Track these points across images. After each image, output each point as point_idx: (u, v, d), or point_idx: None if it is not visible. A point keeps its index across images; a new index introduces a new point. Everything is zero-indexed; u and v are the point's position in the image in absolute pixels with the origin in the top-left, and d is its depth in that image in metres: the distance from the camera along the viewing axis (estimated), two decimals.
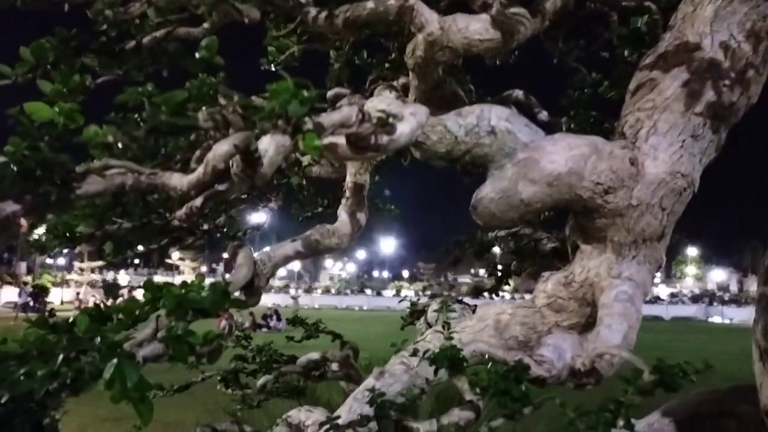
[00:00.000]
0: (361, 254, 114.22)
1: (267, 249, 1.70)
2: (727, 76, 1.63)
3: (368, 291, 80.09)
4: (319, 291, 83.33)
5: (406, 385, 1.89)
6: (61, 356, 1.15)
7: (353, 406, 1.90)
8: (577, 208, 1.69)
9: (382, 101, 1.39)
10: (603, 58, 2.35)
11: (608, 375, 1.57)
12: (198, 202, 2.11)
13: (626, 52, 2.28)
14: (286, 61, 2.39)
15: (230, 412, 3.28)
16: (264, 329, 36.17)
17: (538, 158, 1.63)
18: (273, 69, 2.50)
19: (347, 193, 1.94)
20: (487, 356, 1.66)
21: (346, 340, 2.51)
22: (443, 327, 1.62)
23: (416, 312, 2.56)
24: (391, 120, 1.25)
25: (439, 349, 1.50)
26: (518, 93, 2.17)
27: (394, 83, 2.30)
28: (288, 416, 2.04)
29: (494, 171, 1.74)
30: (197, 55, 1.85)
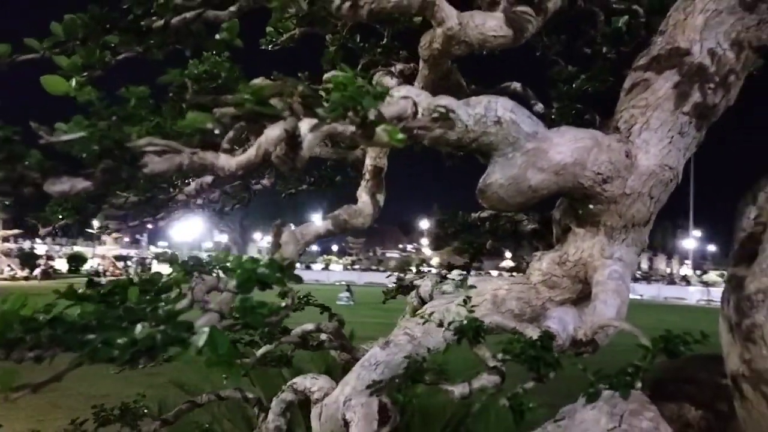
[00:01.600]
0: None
1: (298, 228, 1.80)
2: (712, 80, 1.83)
3: (297, 264, 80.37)
4: None
5: (409, 353, 2.03)
6: (139, 326, 1.23)
7: (362, 373, 2.03)
8: (577, 195, 1.87)
9: (425, 96, 1.50)
10: (584, 53, 2.52)
11: (603, 344, 1.76)
12: (208, 179, 2.18)
13: (605, 49, 2.47)
14: (285, 42, 2.46)
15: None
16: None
17: (547, 149, 1.78)
18: (269, 49, 2.56)
19: (367, 176, 2.04)
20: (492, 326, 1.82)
21: (333, 312, 2.63)
22: (464, 302, 1.76)
23: (402, 287, 2.70)
24: (451, 115, 1.37)
25: (464, 320, 1.64)
26: (516, 85, 2.32)
27: (392, 69, 2.40)
28: (294, 383, 2.15)
29: (498, 158, 1.89)
30: (217, 36, 1.91)
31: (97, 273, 52.34)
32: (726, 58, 1.83)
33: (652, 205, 1.88)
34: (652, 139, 1.84)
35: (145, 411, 2.17)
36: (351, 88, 1.28)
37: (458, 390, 1.54)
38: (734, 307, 1.82)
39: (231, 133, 1.75)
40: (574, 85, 2.34)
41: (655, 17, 2.17)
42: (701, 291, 43.75)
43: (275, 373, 2.83)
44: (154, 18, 1.81)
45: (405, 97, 1.36)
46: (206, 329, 1.18)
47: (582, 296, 1.98)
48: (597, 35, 2.38)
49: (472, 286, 1.92)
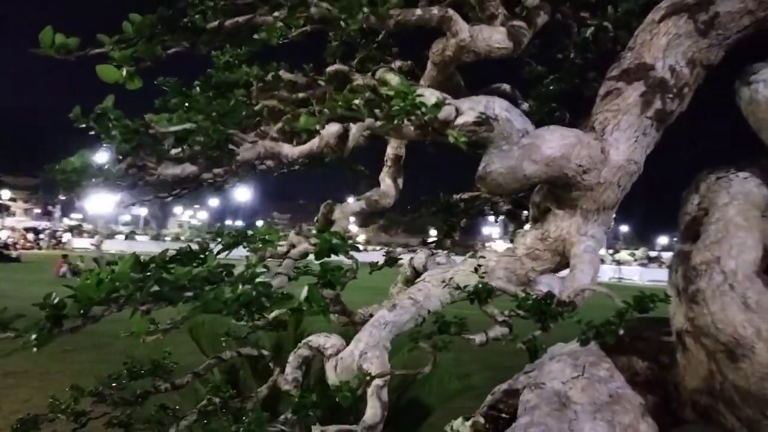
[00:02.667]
0: (213, 201, 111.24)
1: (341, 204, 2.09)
2: (671, 91, 2.24)
3: (219, 239, 78.91)
4: (168, 238, 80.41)
5: (413, 314, 2.38)
6: (240, 284, 1.51)
7: (373, 332, 2.36)
8: (561, 183, 2.25)
9: (465, 102, 1.83)
10: (555, 57, 2.91)
11: (581, 305, 2.16)
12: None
13: (572, 55, 2.86)
14: (295, 37, 2.72)
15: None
16: None
17: (540, 144, 2.15)
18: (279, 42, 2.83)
19: (389, 163, 2.35)
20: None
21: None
22: (474, 270, 2.12)
23: (390, 260, 3.03)
24: (490, 120, 1.70)
25: (473, 288, 1.99)
26: (505, 86, 2.68)
27: (392, 65, 2.71)
28: (309, 341, 2.46)
29: (494, 150, 2.25)
30: (256, 36, 2.18)
31: (6, 245, 49.89)
32: (683, 73, 2.25)
33: (619, 192, 2.29)
34: (622, 138, 2.25)
35: (174, 366, 2.43)
36: (410, 97, 1.59)
37: (478, 338, 1.90)
38: (681, 276, 2.26)
39: (279, 125, 2.03)
40: (551, 87, 2.71)
41: (622, 31, 2.57)
42: (613, 269, 46.37)
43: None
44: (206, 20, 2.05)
45: (449, 104, 1.69)
46: (306, 287, 1.49)
47: (559, 267, 2.38)
48: (570, 44, 2.76)
49: (482, 257, 2.28)
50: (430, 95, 1.96)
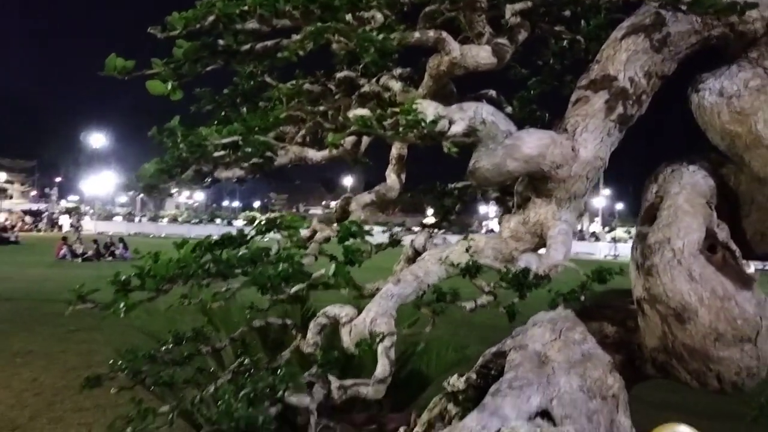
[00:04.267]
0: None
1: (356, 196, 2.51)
2: (631, 98, 2.66)
3: (218, 221, 78.70)
4: (166, 220, 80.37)
5: (415, 288, 2.81)
6: (281, 264, 1.93)
7: (381, 302, 2.79)
8: (538, 176, 2.67)
9: (455, 111, 2.25)
10: (536, 63, 3.31)
11: (555, 277, 2.60)
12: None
13: (552, 61, 3.27)
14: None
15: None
16: (109, 257, 34.91)
17: (520, 145, 2.58)
18: None
19: (393, 161, 2.76)
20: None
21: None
22: (466, 250, 2.55)
23: (393, 242, 3.45)
24: (478, 124, 2.12)
25: (465, 264, 2.43)
26: (492, 92, 3.09)
27: (393, 73, 3.10)
28: (325, 311, 2.89)
29: (482, 149, 2.66)
30: (279, 54, 2.58)
31: (4, 228, 50.18)
32: (640, 83, 2.66)
33: (588, 183, 2.72)
34: (589, 138, 2.67)
35: (211, 334, 2.86)
36: (413, 114, 2.01)
37: (468, 305, 2.34)
38: (639, 253, 2.70)
39: (302, 132, 2.45)
40: (533, 91, 3.12)
41: (593, 43, 2.98)
42: (609, 246, 47.03)
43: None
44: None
45: (443, 116, 2.11)
46: (333, 264, 1.91)
47: (537, 246, 2.81)
48: (548, 52, 3.17)
49: (472, 239, 2.71)
50: (427, 107, 2.38)
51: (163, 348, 2.82)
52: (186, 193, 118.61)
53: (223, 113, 2.54)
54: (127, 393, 8.50)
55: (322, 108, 2.59)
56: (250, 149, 2.04)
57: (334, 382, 2.66)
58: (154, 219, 78.63)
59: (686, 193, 2.63)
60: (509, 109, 3.04)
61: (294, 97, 2.73)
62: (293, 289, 2.68)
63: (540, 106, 3.18)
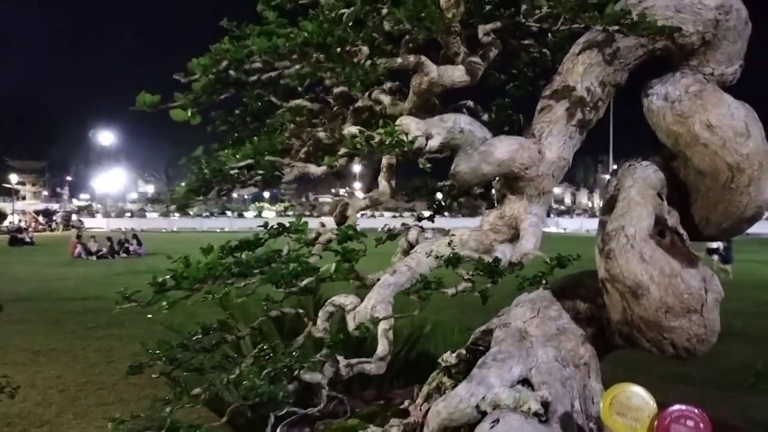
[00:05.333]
0: None
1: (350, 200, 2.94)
2: (588, 105, 3.06)
3: (229, 213, 79.46)
4: (177, 214, 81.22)
5: (408, 278, 3.23)
6: (291, 264, 2.36)
7: (380, 291, 3.21)
8: (510, 177, 3.08)
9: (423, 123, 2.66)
10: (511, 72, 3.70)
11: (527, 264, 3.01)
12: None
13: (525, 69, 3.67)
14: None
15: None
16: (123, 254, 35.46)
17: (493, 151, 2.98)
18: None
19: (384, 169, 3.17)
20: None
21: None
22: (449, 243, 2.97)
23: (390, 236, 3.87)
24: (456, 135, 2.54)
25: (447, 256, 2.85)
26: (469, 103, 3.49)
27: (384, 87, 3.50)
28: (332, 300, 3.32)
29: (462, 154, 3.07)
30: (282, 81, 3.00)
31: (19, 229, 50.90)
32: (596, 92, 3.06)
33: (554, 181, 3.12)
34: (554, 141, 3.07)
35: (234, 325, 3.30)
36: (395, 135, 2.41)
37: (450, 291, 2.76)
38: (601, 239, 3.10)
39: (305, 149, 2.87)
40: (508, 99, 3.52)
41: (558, 54, 3.36)
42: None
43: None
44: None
45: (421, 136, 2.52)
46: (334, 264, 2.33)
47: (513, 238, 3.22)
48: (520, 63, 3.56)
49: (453, 234, 3.13)
50: (410, 123, 2.79)
51: (194, 338, 3.26)
52: None
53: (236, 134, 2.96)
54: (148, 388, 9.30)
55: (320, 124, 3.00)
56: (261, 171, 2.46)
57: (342, 361, 3.10)
58: (166, 214, 79.55)
59: (638, 186, 3.03)
60: (486, 117, 3.43)
61: (297, 115, 3.14)
62: (303, 283, 3.11)
63: (515, 111, 3.58)
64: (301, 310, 3.42)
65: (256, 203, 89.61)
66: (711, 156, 2.86)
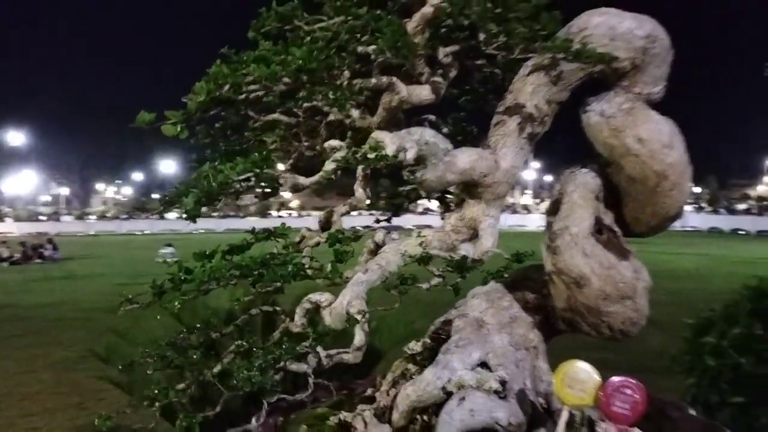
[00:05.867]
0: (137, 176, 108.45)
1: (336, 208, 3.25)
2: (536, 120, 3.50)
3: (150, 215, 77.17)
4: (94, 217, 77.91)
5: (379, 275, 3.58)
6: (289, 266, 2.66)
7: (354, 288, 3.52)
8: (471, 183, 3.48)
9: (408, 143, 3.02)
10: (465, 88, 4.11)
11: (486, 260, 3.42)
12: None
13: (476, 86, 4.08)
14: None
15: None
16: (38, 260, 34.07)
17: (456, 161, 3.37)
18: None
19: (359, 178, 3.49)
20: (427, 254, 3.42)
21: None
22: (420, 244, 3.34)
23: (356, 237, 4.20)
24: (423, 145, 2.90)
25: (419, 255, 3.22)
26: (432, 117, 3.87)
27: (352, 101, 3.82)
28: (308, 298, 3.62)
29: (428, 164, 3.44)
30: (264, 99, 3.28)
31: None
32: (543, 109, 3.50)
33: (508, 186, 3.55)
34: (508, 152, 3.50)
35: (215, 323, 3.56)
36: (378, 152, 2.75)
37: (425, 285, 3.13)
38: (548, 237, 3.55)
39: (291, 161, 3.17)
40: (462, 112, 3.92)
41: (508, 73, 3.79)
42: (541, 218, 49.34)
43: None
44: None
45: (400, 149, 2.87)
46: (329, 264, 2.64)
47: (472, 237, 3.63)
48: (473, 80, 3.97)
49: (422, 235, 3.50)
50: (385, 137, 3.14)
51: (180, 335, 3.49)
52: (112, 188, 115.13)
53: (223, 147, 3.24)
54: (74, 396, 9.22)
55: (298, 138, 3.31)
56: (263, 183, 2.76)
57: (322, 352, 3.41)
58: (81, 217, 76.48)
59: (579, 190, 3.49)
60: (446, 129, 3.83)
61: (274, 129, 3.44)
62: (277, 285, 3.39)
63: (469, 122, 3.99)
64: (278, 308, 3.71)
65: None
66: (641, 165, 3.35)
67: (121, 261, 31.80)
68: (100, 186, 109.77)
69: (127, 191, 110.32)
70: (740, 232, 52.92)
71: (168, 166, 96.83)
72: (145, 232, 62.97)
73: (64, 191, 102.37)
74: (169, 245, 30.48)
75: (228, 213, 61.65)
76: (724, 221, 58.48)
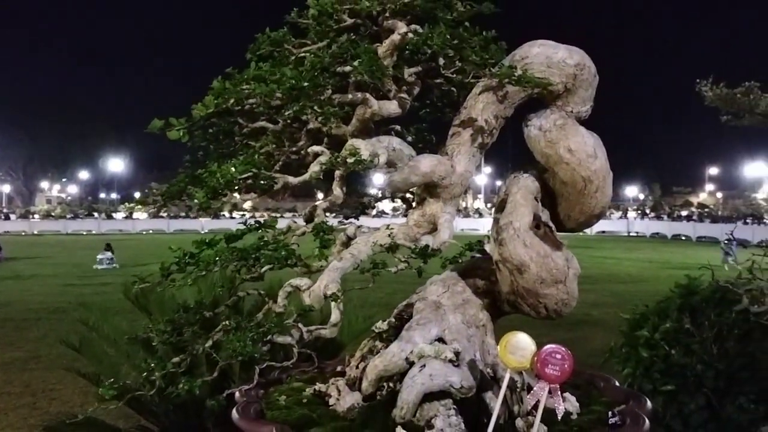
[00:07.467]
0: (83, 174, 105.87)
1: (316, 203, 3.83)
2: (486, 132, 4.15)
3: (96, 214, 75.36)
4: (38, 216, 75.58)
5: (352, 263, 4.17)
6: (282, 251, 3.22)
7: (330, 274, 4.10)
8: (431, 185, 4.10)
9: (379, 149, 3.62)
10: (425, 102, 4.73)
11: (444, 250, 4.05)
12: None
13: (435, 99, 4.72)
14: None
15: None
16: None
17: (419, 165, 3.99)
18: None
19: (337, 178, 4.07)
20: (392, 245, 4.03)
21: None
22: (388, 235, 3.94)
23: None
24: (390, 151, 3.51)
25: (387, 244, 3.82)
26: (397, 127, 4.48)
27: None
28: (290, 282, 4.17)
29: (396, 169, 4.05)
30: (256, 110, 3.84)
31: None
32: (492, 123, 4.15)
33: (462, 188, 4.19)
34: (462, 159, 4.13)
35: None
36: (357, 157, 3.34)
37: (394, 269, 3.74)
38: (495, 231, 4.19)
39: (280, 163, 3.73)
40: (424, 123, 4.55)
41: (462, 91, 4.43)
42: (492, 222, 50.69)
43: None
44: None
45: (374, 155, 3.47)
46: (316, 249, 3.22)
47: (432, 230, 4.25)
48: (433, 95, 4.61)
49: (390, 228, 4.10)
50: (360, 144, 3.74)
51: (177, 315, 4.01)
52: (57, 186, 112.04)
53: (221, 150, 3.79)
54: (27, 397, 9.59)
55: (283, 143, 3.88)
56: (263, 182, 3.31)
57: (304, 328, 3.98)
58: (25, 215, 74.36)
59: (521, 191, 4.15)
60: (409, 138, 4.45)
61: (262, 135, 4.00)
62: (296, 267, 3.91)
63: (429, 133, 4.62)
64: (262, 291, 4.27)
65: (126, 204, 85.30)
66: (571, 171, 4.03)
67: (68, 261, 31.29)
68: (44, 184, 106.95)
69: (73, 190, 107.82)
70: (682, 237, 55.19)
71: (116, 165, 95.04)
72: (92, 231, 61.78)
73: (6, 189, 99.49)
74: (108, 247, 28.89)
75: (179, 213, 60.79)
76: (666, 227, 60.55)
